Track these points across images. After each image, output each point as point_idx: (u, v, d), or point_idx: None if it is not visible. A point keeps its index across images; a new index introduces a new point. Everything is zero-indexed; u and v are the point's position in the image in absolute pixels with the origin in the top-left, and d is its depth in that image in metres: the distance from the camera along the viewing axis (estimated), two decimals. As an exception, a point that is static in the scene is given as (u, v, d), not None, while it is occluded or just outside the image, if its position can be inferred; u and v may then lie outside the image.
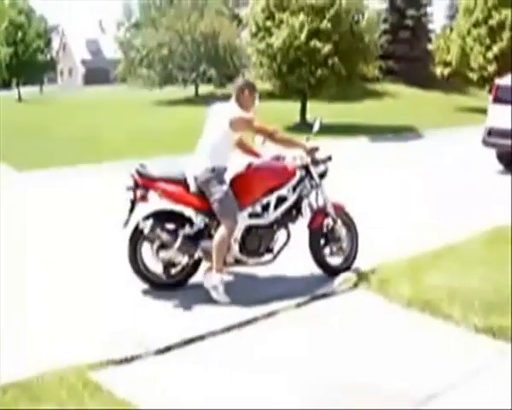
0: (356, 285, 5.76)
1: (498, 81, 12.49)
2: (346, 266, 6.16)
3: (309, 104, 21.26)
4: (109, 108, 28.07)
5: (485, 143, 12.46)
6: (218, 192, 5.57)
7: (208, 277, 5.67)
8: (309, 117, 20.98)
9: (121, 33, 48.73)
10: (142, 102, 31.13)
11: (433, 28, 42.62)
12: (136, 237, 5.81)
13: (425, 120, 21.94)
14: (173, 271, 5.91)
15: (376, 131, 19.61)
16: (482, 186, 11.00)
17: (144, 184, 5.72)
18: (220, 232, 5.55)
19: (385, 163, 13.79)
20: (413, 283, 5.54)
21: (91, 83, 59.95)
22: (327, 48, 18.36)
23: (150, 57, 33.74)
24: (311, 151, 6.00)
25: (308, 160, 6.02)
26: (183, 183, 5.76)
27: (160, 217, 5.79)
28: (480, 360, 4.38)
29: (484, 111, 21.99)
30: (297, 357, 4.52)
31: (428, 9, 41.52)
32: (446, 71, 29.06)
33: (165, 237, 5.72)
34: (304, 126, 20.12)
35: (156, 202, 5.84)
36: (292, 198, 5.92)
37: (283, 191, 5.89)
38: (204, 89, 35.41)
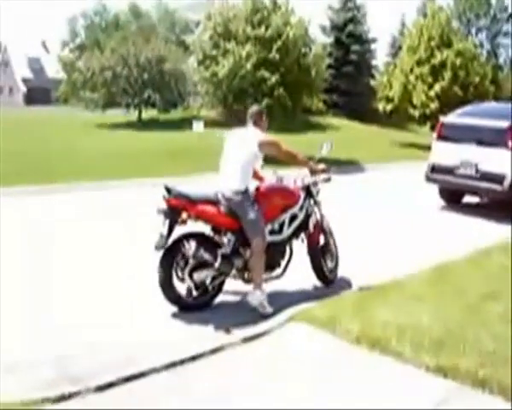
0: (301, 321, 5.57)
1: (443, 119, 12.67)
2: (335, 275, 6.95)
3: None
4: (48, 128, 27.43)
5: (428, 179, 12.58)
6: (251, 212, 5.95)
7: (253, 295, 5.97)
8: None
9: (65, 53, 48.22)
10: (82, 124, 30.56)
11: (375, 64, 43.63)
12: (170, 259, 5.87)
13: (367, 154, 22.15)
14: (201, 291, 6.04)
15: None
16: (425, 222, 11.07)
17: (184, 206, 5.84)
18: (256, 250, 5.92)
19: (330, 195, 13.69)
20: (361, 319, 5.39)
21: (32, 102, 58.80)
22: (274, 78, 18.37)
23: (94, 79, 33.24)
24: (317, 172, 6.70)
25: (310, 180, 6.71)
26: (216, 204, 6.02)
27: (194, 238, 5.98)
28: (431, 401, 4.25)
29: (422, 147, 22.45)
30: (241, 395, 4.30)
31: (372, 46, 42.54)
32: (389, 107, 29.52)
33: (207, 256, 5.88)
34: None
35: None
36: (301, 216, 6.52)
37: (295, 210, 6.47)
38: (147, 114, 35.13)
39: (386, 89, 29.86)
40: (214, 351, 4.99)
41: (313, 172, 6.70)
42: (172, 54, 34.86)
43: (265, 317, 5.79)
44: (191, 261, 5.87)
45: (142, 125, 32.00)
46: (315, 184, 6.79)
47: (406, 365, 4.69)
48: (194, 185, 6.31)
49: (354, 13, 39.63)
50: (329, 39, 39.34)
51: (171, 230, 5.80)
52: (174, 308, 5.97)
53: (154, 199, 6.19)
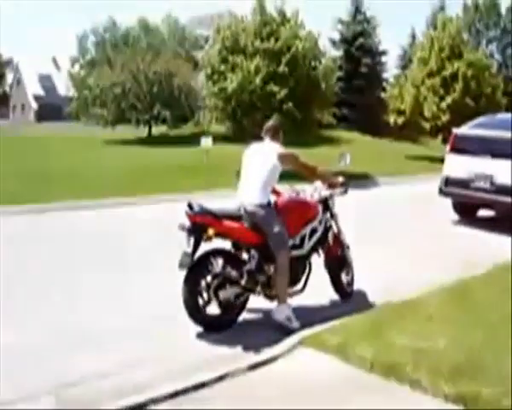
0: (311, 345, 5.28)
1: (456, 131, 12.38)
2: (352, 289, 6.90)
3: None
4: (60, 145, 27.38)
5: (442, 192, 12.28)
6: (276, 226, 5.85)
7: (279, 310, 5.87)
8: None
9: (75, 70, 48.37)
10: (92, 141, 30.53)
11: (386, 77, 43.39)
12: (196, 277, 5.69)
13: (380, 168, 21.88)
14: (226, 310, 5.86)
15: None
16: (439, 237, 10.77)
17: (210, 222, 5.66)
18: (281, 264, 5.81)
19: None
20: (375, 343, 5.10)
21: (44, 119, 58.93)
22: (283, 92, 18.14)
23: (104, 96, 33.25)
24: (337, 186, 6.60)
25: (327, 193, 6.59)
26: (239, 219, 5.90)
27: (220, 255, 5.84)
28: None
29: (434, 160, 22.12)
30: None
31: (382, 58, 42.36)
32: (400, 119, 29.25)
33: (234, 274, 5.76)
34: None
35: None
36: (320, 229, 6.42)
37: (315, 223, 6.36)
38: (157, 129, 35.06)
39: (397, 101, 29.59)
40: (220, 379, 4.71)
41: (332, 185, 6.60)
42: (182, 69, 34.82)
43: (289, 333, 5.59)
44: (217, 279, 5.71)
45: (152, 141, 31.90)
46: (331, 196, 6.67)
47: (423, 393, 4.40)
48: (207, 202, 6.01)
49: (364, 26, 39.45)
50: (339, 52, 39.18)
51: (196, 247, 5.61)
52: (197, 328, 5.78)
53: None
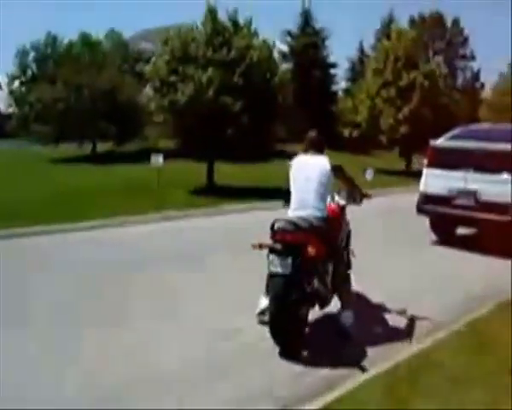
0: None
1: (434, 143, 11.34)
2: None
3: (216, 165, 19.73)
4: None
5: (420, 210, 11.24)
6: (338, 237, 6.31)
7: (346, 316, 6.04)
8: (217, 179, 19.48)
9: (16, 87, 46.23)
10: (34, 159, 28.75)
11: (335, 90, 42.82)
12: (291, 295, 5.40)
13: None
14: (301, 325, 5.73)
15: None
16: (421, 263, 9.69)
17: (308, 240, 5.49)
18: (344, 273, 6.27)
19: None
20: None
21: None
22: (238, 105, 16.92)
23: (45, 112, 31.49)
24: (366, 197, 6.89)
25: (344, 203, 6.72)
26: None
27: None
28: None
29: (391, 173, 21.19)
30: None
31: (332, 71, 41.73)
32: (355, 132, 28.39)
33: (322, 289, 5.85)
34: (211, 189, 18.55)
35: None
36: (345, 237, 6.66)
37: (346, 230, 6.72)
38: (102, 147, 33.45)
39: (351, 114, 28.76)
40: None
41: (362, 196, 6.81)
42: (127, 84, 33.38)
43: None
44: (311, 297, 5.74)
45: (97, 158, 30.27)
46: (345, 206, 6.81)
47: None
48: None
49: (313, 38, 38.70)
50: (288, 65, 38.27)
51: (296, 269, 5.39)
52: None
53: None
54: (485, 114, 40.57)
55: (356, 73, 45.19)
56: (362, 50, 48.27)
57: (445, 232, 11.69)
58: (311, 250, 5.39)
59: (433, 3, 51.73)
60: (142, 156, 26.74)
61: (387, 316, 6.68)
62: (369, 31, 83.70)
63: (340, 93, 43.57)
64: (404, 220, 12.79)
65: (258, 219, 14.64)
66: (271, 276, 5.55)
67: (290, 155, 23.50)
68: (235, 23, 18.18)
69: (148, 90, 34.97)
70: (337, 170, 6.20)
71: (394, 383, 4.56)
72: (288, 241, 5.51)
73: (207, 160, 19.51)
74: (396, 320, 6.49)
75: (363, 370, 5.09)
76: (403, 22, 39.06)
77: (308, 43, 38.22)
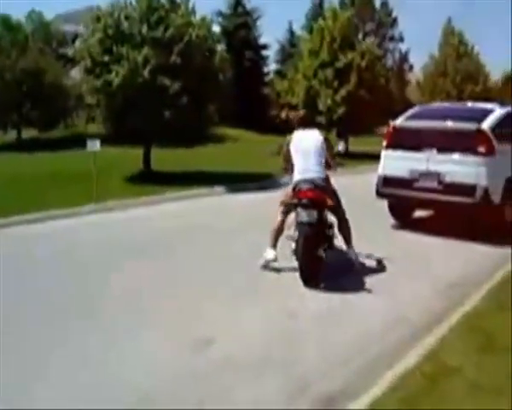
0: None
1: (394, 123, 10.77)
2: None
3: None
4: None
5: (380, 193, 10.68)
6: (336, 193, 7.96)
7: (351, 251, 7.91)
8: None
9: None
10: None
11: (267, 71, 42.23)
12: (316, 239, 7.11)
13: (275, 166, 20.12)
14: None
15: (232, 180, 17.31)
16: (389, 247, 9.13)
17: (324, 195, 7.34)
18: (345, 218, 7.92)
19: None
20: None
21: None
22: (176, 86, 15.96)
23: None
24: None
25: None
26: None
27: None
28: None
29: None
30: None
31: (264, 52, 41.08)
32: (292, 114, 27.74)
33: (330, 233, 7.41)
34: (149, 176, 17.57)
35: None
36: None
37: None
38: (27, 133, 31.69)
39: (287, 95, 28.13)
40: None
41: (337, 164, 8.74)
42: (52, 66, 31.68)
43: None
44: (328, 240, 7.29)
45: (22, 146, 28.56)
46: None
47: None
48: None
49: (245, 18, 37.90)
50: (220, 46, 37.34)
51: (320, 217, 7.14)
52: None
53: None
54: (416, 96, 40.82)
55: (285, 54, 44.65)
56: (291, 32, 47.71)
57: (402, 215, 11.23)
58: (330, 202, 7.29)
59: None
60: (71, 143, 25.48)
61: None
62: (298, 11, 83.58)
63: (271, 75, 42.98)
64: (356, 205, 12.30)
65: (207, 206, 13.97)
66: (300, 224, 7.11)
67: (221, 139, 22.55)
68: (171, 0, 17.14)
69: (74, 73, 33.49)
70: (326, 141, 7.95)
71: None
72: (311, 197, 7.22)
73: (143, 144, 18.48)
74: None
75: (369, 291, 6.99)
76: (333, 4, 38.60)
77: (240, 23, 37.35)
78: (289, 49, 44.15)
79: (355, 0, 50.29)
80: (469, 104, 12.23)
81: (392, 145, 10.51)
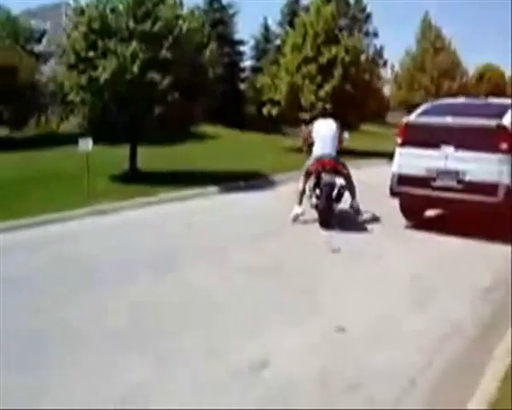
0: None
1: (407, 119, 10.39)
2: None
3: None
4: None
5: (394, 193, 10.29)
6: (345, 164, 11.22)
7: (356, 202, 11.05)
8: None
9: None
10: None
11: (244, 67, 41.65)
12: (332, 193, 10.50)
13: (267, 164, 19.67)
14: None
15: (222, 179, 16.71)
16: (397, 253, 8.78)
17: (338, 164, 10.98)
18: (352, 181, 11.09)
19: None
20: None
21: None
22: (166, 81, 15.35)
23: None
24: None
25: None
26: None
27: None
28: None
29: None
30: None
31: (240, 48, 40.48)
32: (275, 110, 27.25)
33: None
34: (139, 176, 16.91)
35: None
36: None
37: None
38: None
39: (270, 91, 27.56)
40: None
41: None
42: (25, 62, 30.66)
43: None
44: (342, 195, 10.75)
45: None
46: None
47: None
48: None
49: (222, 14, 37.25)
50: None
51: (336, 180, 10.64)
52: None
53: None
54: (394, 92, 40.68)
55: (260, 50, 44.06)
56: (266, 27, 47.07)
57: (415, 215, 10.85)
58: (345, 170, 10.97)
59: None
60: (45, 141, 24.67)
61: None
62: (273, 7, 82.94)
63: (247, 72, 42.36)
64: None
65: (210, 208, 13.41)
66: (325, 185, 10.32)
67: (200, 136, 21.77)
68: (158, -8, 16.50)
69: (46, 70, 32.58)
70: (339, 130, 11.55)
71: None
72: (332, 165, 10.68)
73: (129, 142, 17.79)
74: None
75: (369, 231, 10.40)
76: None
77: (216, 19, 36.67)
78: (264, 45, 43.57)
79: (330, -5, 49.87)
80: (484, 100, 11.92)
81: (407, 142, 10.13)
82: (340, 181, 10.74)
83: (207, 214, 12.65)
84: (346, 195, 10.96)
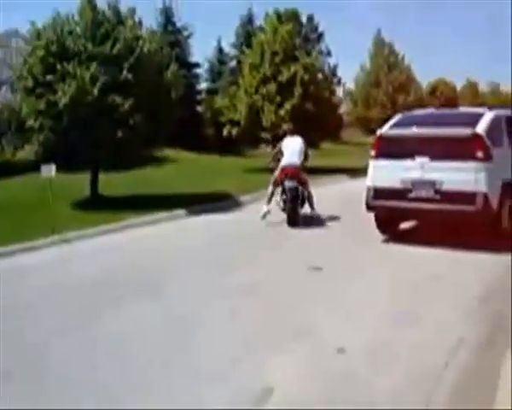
0: None
1: (381, 131, 10.28)
2: None
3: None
4: None
5: (370, 207, 10.16)
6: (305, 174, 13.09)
7: (314, 212, 12.77)
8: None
9: None
10: None
11: (200, 89, 41.50)
12: (297, 198, 12.56)
13: (232, 186, 19.39)
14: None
15: (188, 202, 16.35)
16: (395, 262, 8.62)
17: (299, 172, 12.88)
18: (310, 190, 12.84)
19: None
20: None
21: None
22: (127, 103, 15.05)
23: None
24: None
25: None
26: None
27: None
28: None
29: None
30: None
31: (195, 71, 40.34)
32: (234, 131, 27.06)
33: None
34: (101, 202, 16.49)
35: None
36: None
37: None
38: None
39: (230, 112, 27.37)
40: None
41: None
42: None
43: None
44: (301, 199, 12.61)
45: None
46: None
47: None
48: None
49: (177, 36, 37.07)
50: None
51: (298, 185, 12.54)
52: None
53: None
54: (350, 109, 40.98)
55: (215, 72, 43.96)
56: (220, 49, 47.03)
57: (389, 228, 10.74)
58: (303, 177, 12.73)
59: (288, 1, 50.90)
60: (3, 171, 23.93)
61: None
62: (226, 29, 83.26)
63: (203, 94, 42.16)
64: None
65: (174, 232, 13.10)
66: (289, 190, 12.37)
67: (159, 160, 21.28)
68: (116, 13, 16.21)
69: (3, 93, 31.77)
70: (306, 146, 13.56)
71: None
72: (293, 172, 12.62)
73: (88, 168, 17.37)
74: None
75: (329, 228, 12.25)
76: (259, 20, 38.39)
77: (172, 41, 36.41)
78: (219, 68, 43.51)
79: (280, 15, 50.13)
80: (457, 110, 11.95)
81: (381, 155, 10.02)
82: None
83: (176, 238, 12.41)
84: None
